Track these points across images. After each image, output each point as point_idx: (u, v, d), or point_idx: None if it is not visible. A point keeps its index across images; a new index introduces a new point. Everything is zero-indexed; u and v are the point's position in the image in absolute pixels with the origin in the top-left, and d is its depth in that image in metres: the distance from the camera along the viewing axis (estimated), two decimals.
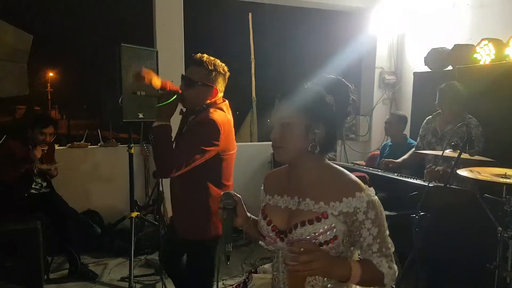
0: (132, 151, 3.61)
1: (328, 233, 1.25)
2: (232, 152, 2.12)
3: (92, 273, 3.50)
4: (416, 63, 4.83)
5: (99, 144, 4.56)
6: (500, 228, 2.35)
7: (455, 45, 3.90)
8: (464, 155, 2.39)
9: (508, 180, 2.16)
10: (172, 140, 1.99)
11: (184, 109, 2.15)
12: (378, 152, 4.55)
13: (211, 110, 1.98)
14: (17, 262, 3.10)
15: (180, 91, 2.00)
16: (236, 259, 3.94)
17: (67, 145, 4.45)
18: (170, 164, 1.86)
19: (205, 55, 2.02)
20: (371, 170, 3.40)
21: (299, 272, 1.21)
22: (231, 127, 2.08)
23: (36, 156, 3.41)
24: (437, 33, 4.61)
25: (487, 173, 2.26)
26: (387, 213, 3.28)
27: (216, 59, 2.05)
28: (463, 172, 2.29)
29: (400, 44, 5.31)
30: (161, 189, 3.79)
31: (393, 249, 1.29)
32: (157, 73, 3.66)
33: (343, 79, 1.37)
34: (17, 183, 3.41)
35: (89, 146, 4.48)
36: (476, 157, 2.54)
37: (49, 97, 27.25)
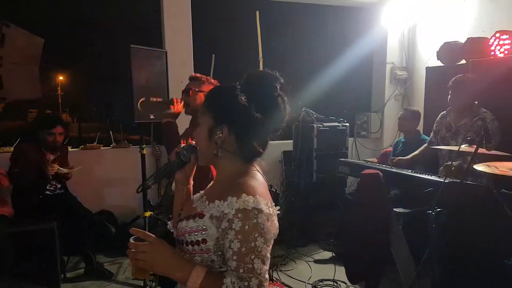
0: (144, 151, 3.64)
1: (197, 233, 1.16)
2: None
3: (108, 272, 3.54)
4: (428, 58, 4.78)
5: (111, 145, 4.61)
6: None
7: (468, 38, 3.84)
8: (481, 150, 2.35)
9: None
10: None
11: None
12: (390, 149, 4.51)
13: None
14: (34, 262, 3.17)
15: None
16: None
17: (80, 147, 4.50)
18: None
19: (199, 74, 2.61)
20: (384, 167, 3.37)
21: (130, 258, 1.14)
22: None
23: (50, 173, 3.46)
24: (449, 27, 4.55)
25: (505, 168, 2.22)
26: (401, 210, 3.32)
27: (208, 76, 2.62)
28: (480, 167, 2.25)
29: (412, 39, 5.25)
30: (173, 189, 3.81)
31: (261, 279, 1.07)
32: (167, 74, 3.69)
33: (271, 75, 1.23)
34: (32, 185, 3.46)
35: (101, 148, 4.53)
36: (492, 152, 2.50)
37: (60, 101, 27.58)
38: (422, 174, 3.03)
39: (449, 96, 3.16)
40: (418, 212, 3.29)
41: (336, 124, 4.49)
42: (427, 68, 4.41)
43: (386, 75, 5.32)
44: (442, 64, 4.17)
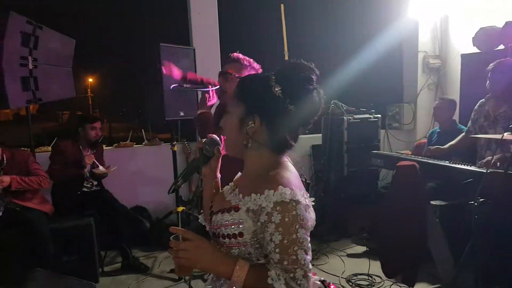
0: (175, 148, 3.68)
1: (233, 227, 1.15)
2: None
3: (144, 265, 3.61)
4: (462, 45, 4.61)
5: (143, 143, 4.69)
6: None
7: (506, 22, 3.68)
8: None
9: None
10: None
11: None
12: (425, 140, 4.39)
13: None
14: (73, 257, 3.28)
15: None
16: None
17: (114, 145, 4.61)
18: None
19: (241, 54, 2.24)
20: (420, 158, 3.27)
21: (173, 257, 1.13)
22: None
23: (88, 162, 3.58)
24: (483, 12, 4.37)
25: None
26: (438, 202, 3.21)
27: (251, 59, 2.27)
28: None
29: (444, 26, 5.08)
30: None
31: (305, 269, 1.07)
32: (195, 71, 3.71)
33: (307, 66, 1.21)
34: (69, 183, 3.57)
35: (134, 146, 4.62)
36: None
37: (90, 102, 28.37)
38: (461, 164, 2.93)
39: (488, 83, 3.04)
40: (456, 204, 3.19)
41: (367, 116, 4.39)
42: (463, 55, 4.26)
43: (418, 64, 5.17)
44: (478, 51, 4.01)
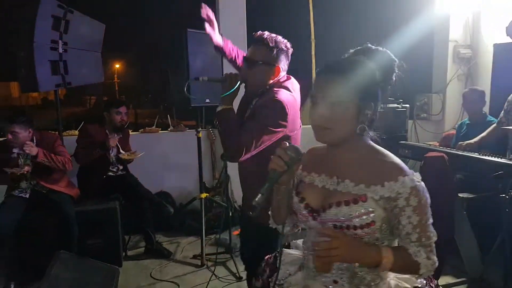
0: (200, 135, 3.69)
1: (364, 217, 1.19)
2: (298, 130, 1.99)
3: (167, 251, 3.65)
4: (495, 35, 4.43)
5: (169, 129, 4.74)
6: None
7: None
8: None
9: None
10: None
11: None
12: (453, 131, 4.27)
13: (275, 89, 1.87)
14: (98, 240, 3.31)
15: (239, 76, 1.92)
16: None
17: (140, 130, 4.67)
18: (239, 147, 1.77)
19: (266, 32, 1.91)
20: (449, 150, 3.19)
21: (323, 257, 1.17)
22: (298, 107, 1.96)
23: (112, 144, 3.60)
24: None
25: None
26: (466, 195, 3.13)
27: (278, 36, 1.93)
28: None
29: (476, 16, 4.89)
30: (228, 172, 3.87)
31: (435, 239, 1.21)
32: (222, 59, 3.68)
33: (389, 52, 1.28)
34: (95, 167, 3.62)
35: (160, 131, 4.67)
36: None
37: (117, 88, 28.83)
38: (492, 156, 2.84)
39: None
40: (485, 197, 3.10)
41: (395, 105, 4.30)
42: (495, 45, 4.10)
43: (448, 53, 5.01)
44: None
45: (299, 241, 1.53)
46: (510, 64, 3.17)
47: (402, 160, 1.24)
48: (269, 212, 1.45)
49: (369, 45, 1.29)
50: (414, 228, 1.17)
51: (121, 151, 3.75)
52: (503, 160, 2.75)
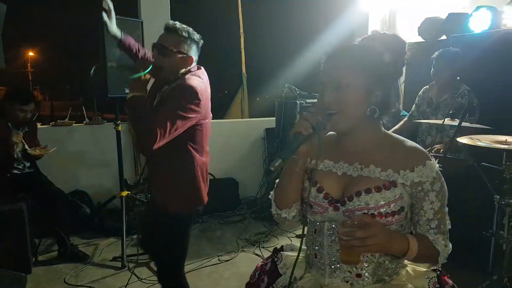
0: (119, 128, 3.49)
1: (394, 203, 1.16)
2: (209, 120, 2.03)
3: (83, 253, 3.43)
4: (408, 34, 4.73)
5: (84, 122, 4.43)
6: (497, 196, 2.34)
7: (449, 14, 3.82)
8: (464, 123, 2.34)
9: (508, 146, 2.12)
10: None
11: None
12: None
13: (187, 77, 1.90)
14: (2, 245, 2.98)
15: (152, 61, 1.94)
16: (230, 235, 3.94)
17: (51, 123, 4.31)
18: (152, 134, 1.73)
19: (178, 22, 1.93)
20: None
21: (354, 248, 1.07)
22: (209, 95, 2.00)
23: (14, 140, 3.28)
24: (430, 3, 4.50)
25: (487, 140, 2.22)
26: None
27: (189, 27, 1.95)
28: (463, 139, 2.24)
29: (392, 15, 5.19)
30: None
31: (449, 227, 1.21)
32: (143, 45, 3.51)
33: (398, 35, 1.27)
34: None
35: (73, 124, 4.34)
36: (473, 125, 2.50)
37: (30, 78, 26.60)
38: None
39: (432, 70, 3.13)
40: None
41: (313, 100, 4.43)
42: (408, 44, 4.35)
43: None
44: (423, 40, 4.14)
45: (294, 243, 1.50)
46: (422, 62, 3.41)
47: None
48: (270, 196, 1.36)
49: (376, 30, 1.26)
50: (436, 214, 1.17)
51: (26, 147, 3.41)
52: None
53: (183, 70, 1.94)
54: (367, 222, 1.07)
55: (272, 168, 1.07)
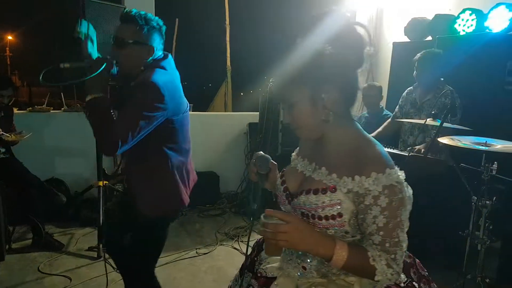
0: None
1: (329, 208, 1.12)
2: (183, 111, 1.87)
3: (58, 242, 3.36)
4: (394, 34, 4.76)
5: (62, 109, 4.31)
6: (474, 197, 2.37)
7: (435, 15, 3.85)
8: (445, 124, 2.36)
9: (488, 148, 2.15)
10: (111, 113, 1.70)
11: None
12: None
13: (150, 71, 1.73)
14: None
15: (108, 57, 1.74)
16: (209, 229, 3.91)
17: (28, 109, 4.19)
18: (114, 139, 1.59)
19: (134, 10, 1.76)
20: None
21: (269, 239, 1.11)
22: (177, 88, 1.83)
23: None
24: (417, 4, 4.53)
25: (468, 141, 2.25)
26: None
27: (148, 13, 1.78)
28: (444, 140, 2.26)
29: (379, 14, 5.21)
30: None
31: (403, 247, 1.08)
32: None
33: (347, 14, 1.17)
34: None
35: (51, 111, 4.22)
36: (454, 126, 2.53)
37: (9, 62, 25.85)
38: (384, 147, 3.03)
39: (415, 71, 3.15)
40: None
41: None
42: (394, 44, 4.40)
43: None
44: (409, 40, 4.17)
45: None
46: (406, 62, 3.42)
47: None
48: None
49: (317, 16, 1.17)
50: (379, 230, 1.07)
51: (1, 132, 3.30)
52: (393, 151, 2.96)
53: (145, 62, 1.78)
54: (281, 218, 1.09)
55: (253, 212, 1.25)
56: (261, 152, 1.35)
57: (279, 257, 1.31)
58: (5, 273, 2.86)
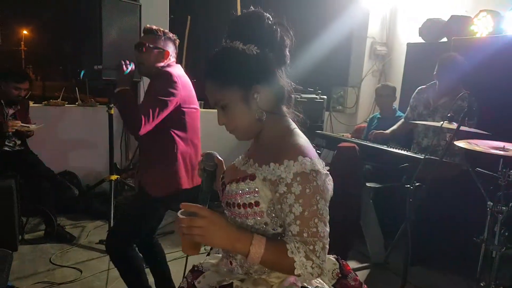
0: (112, 111, 3.43)
1: (247, 196, 1.13)
2: (193, 106, 2.18)
3: (70, 235, 3.39)
4: (408, 35, 4.72)
5: (76, 103, 4.35)
6: (490, 203, 2.33)
7: (451, 16, 3.80)
8: (462, 127, 2.33)
9: (506, 153, 2.11)
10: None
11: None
12: (364, 124, 4.49)
13: (165, 68, 2.12)
14: None
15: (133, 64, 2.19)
16: None
17: (43, 102, 4.23)
18: (137, 122, 1.94)
19: (154, 26, 2.19)
20: (360, 141, 3.33)
21: (183, 234, 1.07)
22: (188, 83, 2.17)
23: (9, 130, 3.27)
24: (432, 5, 4.49)
25: (485, 146, 2.21)
26: (373, 184, 3.31)
27: (165, 29, 2.22)
28: (460, 143, 2.23)
29: (393, 15, 5.18)
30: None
31: (323, 238, 1.05)
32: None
33: (259, 12, 1.16)
34: None
35: (66, 105, 4.27)
36: (471, 130, 2.49)
37: (23, 56, 26.16)
38: (399, 149, 3.01)
39: (437, 73, 3.10)
40: (391, 187, 3.31)
41: (314, 96, 4.40)
42: (408, 44, 4.36)
43: (365, 50, 5.23)
44: (424, 41, 4.13)
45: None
46: (421, 63, 3.39)
47: (315, 149, 1.21)
48: None
49: (233, 17, 1.19)
50: (295, 219, 1.04)
51: (20, 124, 3.35)
52: (408, 153, 2.93)
53: (162, 64, 2.15)
54: (196, 212, 1.06)
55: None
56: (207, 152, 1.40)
57: (220, 255, 1.33)
58: (17, 263, 2.89)
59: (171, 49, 2.20)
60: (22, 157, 3.42)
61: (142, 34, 2.24)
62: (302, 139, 1.14)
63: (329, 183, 1.10)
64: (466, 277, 2.57)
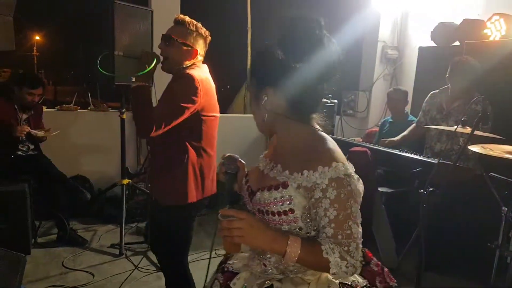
0: (124, 116, 3.46)
1: (281, 204, 1.15)
2: (212, 114, 1.99)
3: (82, 238, 3.42)
4: (420, 38, 4.69)
5: (89, 108, 4.40)
6: (505, 208, 2.30)
7: (464, 19, 3.77)
8: (476, 132, 2.30)
9: None
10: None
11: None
12: (376, 128, 4.47)
13: (188, 69, 1.92)
14: (4, 225, 3.00)
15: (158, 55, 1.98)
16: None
17: (56, 107, 4.29)
18: (149, 123, 1.78)
19: (187, 17, 1.97)
20: (372, 145, 3.31)
21: (225, 236, 1.14)
22: (211, 88, 1.98)
23: (20, 134, 3.30)
24: (444, 8, 4.45)
25: (500, 150, 2.18)
26: (385, 189, 3.28)
27: (198, 23, 1.98)
28: (475, 148, 2.20)
29: (404, 18, 5.15)
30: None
31: (357, 239, 1.10)
32: (152, 35, 3.47)
33: (305, 19, 1.16)
34: (2, 144, 3.27)
35: (79, 110, 4.31)
36: (485, 134, 2.46)
37: (35, 61, 26.55)
38: (410, 153, 2.99)
39: (449, 76, 3.07)
40: (403, 192, 3.28)
41: (325, 100, 4.38)
42: (420, 48, 4.33)
43: (376, 53, 5.21)
44: (436, 45, 4.10)
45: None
46: (433, 67, 3.36)
47: None
48: None
49: (281, 18, 1.20)
50: (330, 223, 1.09)
51: (31, 130, 3.40)
52: (421, 158, 2.90)
53: (187, 63, 1.95)
54: (235, 215, 1.12)
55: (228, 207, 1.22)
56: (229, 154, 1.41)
57: (246, 255, 1.35)
58: (30, 267, 2.91)
59: (200, 47, 1.98)
60: (35, 161, 3.45)
61: (171, 27, 1.99)
62: (331, 143, 1.17)
63: (360, 185, 1.13)
64: (480, 283, 2.54)
